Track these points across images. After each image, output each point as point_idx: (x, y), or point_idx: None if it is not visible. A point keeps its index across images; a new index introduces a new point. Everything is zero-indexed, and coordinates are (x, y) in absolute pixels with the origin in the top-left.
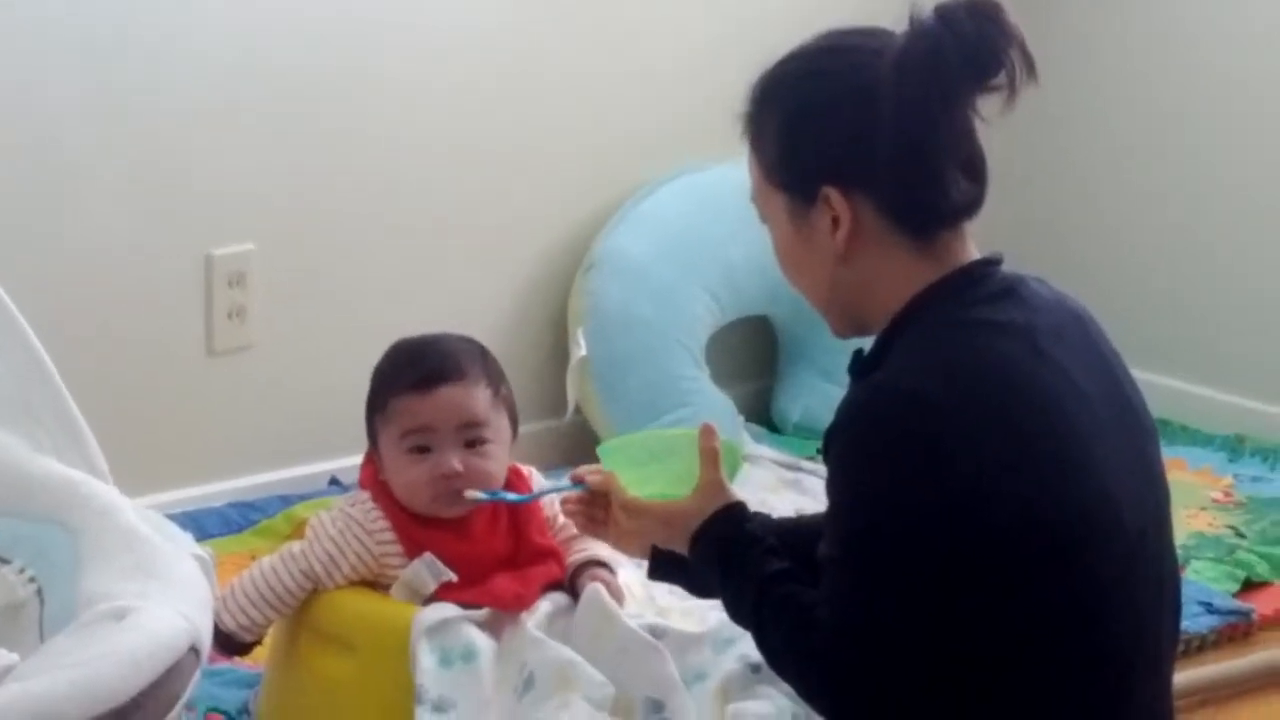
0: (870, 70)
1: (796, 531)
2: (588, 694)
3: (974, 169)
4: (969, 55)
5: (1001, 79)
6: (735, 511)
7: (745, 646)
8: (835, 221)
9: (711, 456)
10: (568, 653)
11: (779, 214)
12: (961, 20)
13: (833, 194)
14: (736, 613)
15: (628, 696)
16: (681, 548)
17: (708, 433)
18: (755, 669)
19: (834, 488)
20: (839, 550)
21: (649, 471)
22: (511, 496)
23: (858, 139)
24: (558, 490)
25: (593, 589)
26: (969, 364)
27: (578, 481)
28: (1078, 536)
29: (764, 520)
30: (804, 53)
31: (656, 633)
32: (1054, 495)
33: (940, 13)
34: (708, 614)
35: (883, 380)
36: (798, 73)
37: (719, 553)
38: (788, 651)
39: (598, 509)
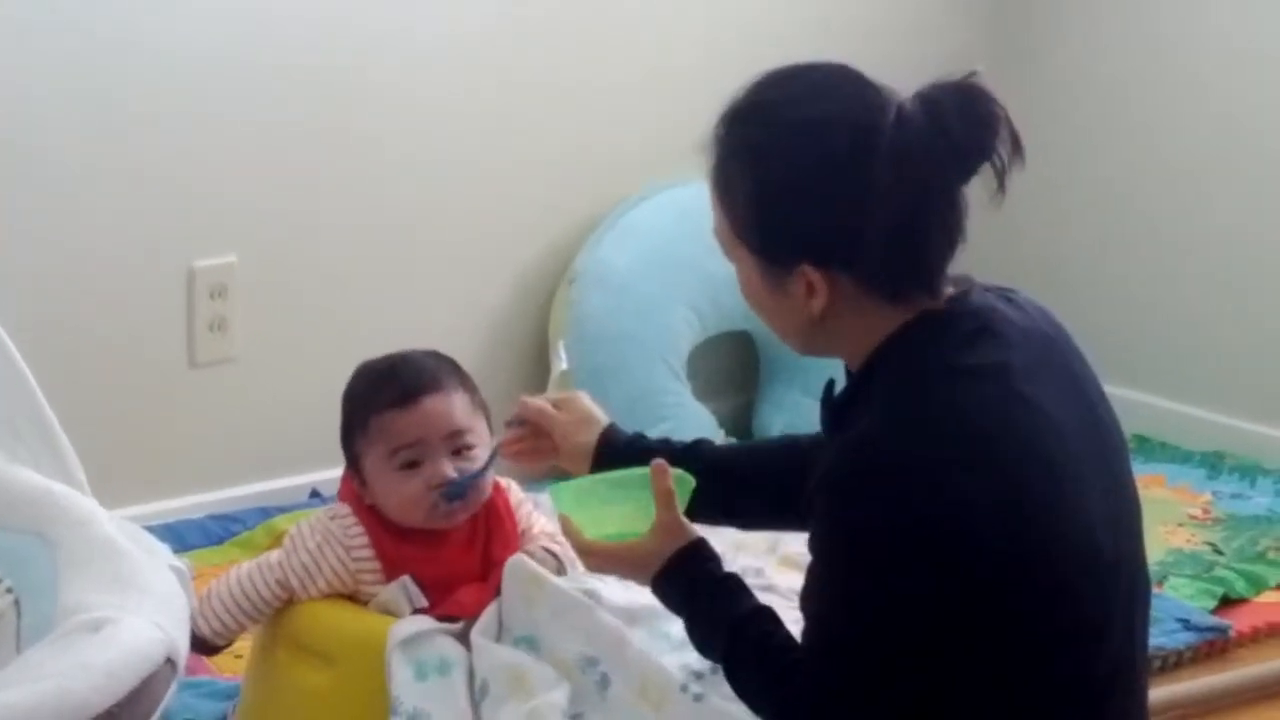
0: (853, 152)
1: (747, 455)
2: (546, 696)
3: (957, 235)
4: (958, 152)
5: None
6: (696, 550)
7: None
8: (809, 288)
9: (667, 497)
10: (513, 655)
11: (747, 268)
12: (951, 117)
13: (810, 271)
14: (705, 651)
15: (565, 659)
16: (644, 586)
17: (660, 472)
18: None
19: (817, 546)
20: (824, 608)
21: (604, 512)
22: (464, 479)
23: (842, 223)
24: (499, 444)
25: (513, 560)
26: (949, 419)
27: (517, 422)
28: (1059, 575)
29: (711, 448)
30: (773, 112)
31: (590, 595)
32: (1038, 542)
33: (929, 109)
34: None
35: (862, 442)
36: (770, 142)
37: (683, 594)
38: (766, 697)
39: (542, 440)
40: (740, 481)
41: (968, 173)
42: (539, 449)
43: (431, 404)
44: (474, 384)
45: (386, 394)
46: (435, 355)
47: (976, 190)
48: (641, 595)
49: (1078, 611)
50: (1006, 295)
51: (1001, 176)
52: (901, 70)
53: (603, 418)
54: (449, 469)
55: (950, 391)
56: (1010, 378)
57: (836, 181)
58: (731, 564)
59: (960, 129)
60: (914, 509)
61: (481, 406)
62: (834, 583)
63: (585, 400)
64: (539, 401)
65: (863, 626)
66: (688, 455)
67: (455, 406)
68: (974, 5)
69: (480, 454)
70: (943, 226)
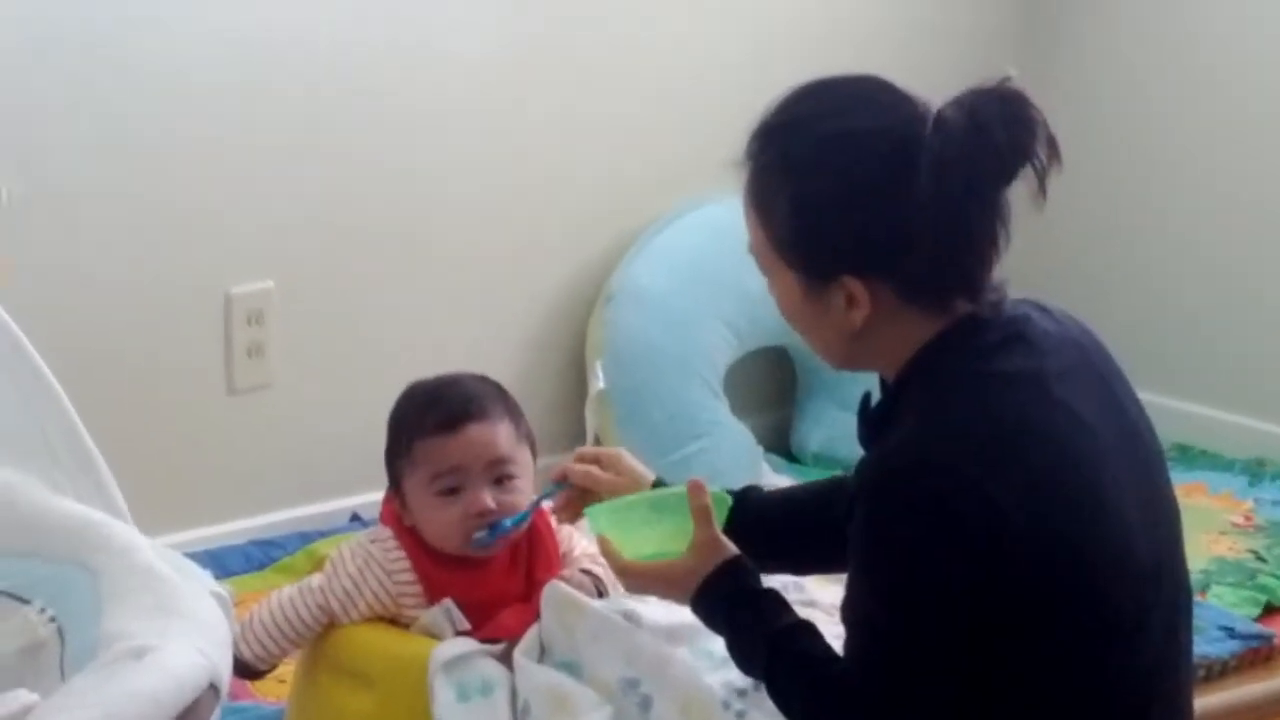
0: (894, 163)
1: (795, 501)
2: (588, 717)
3: (1001, 239)
4: (1001, 156)
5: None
6: (736, 566)
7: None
8: (850, 299)
9: (704, 514)
10: (555, 676)
11: (786, 283)
12: (993, 121)
13: (852, 282)
14: (747, 667)
15: (606, 681)
16: (684, 605)
17: (697, 490)
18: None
19: (858, 554)
20: (863, 614)
21: (641, 533)
22: (508, 522)
23: (886, 233)
24: (547, 496)
25: (549, 587)
26: (981, 424)
27: (561, 480)
28: (1098, 583)
29: (760, 495)
30: (809, 126)
31: (630, 617)
32: (1075, 549)
33: (970, 114)
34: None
35: (898, 449)
36: (809, 156)
37: (723, 610)
38: (809, 711)
39: (588, 496)
40: (789, 528)
41: (1010, 176)
42: (585, 506)
43: (475, 432)
44: (520, 412)
45: (431, 418)
46: (483, 380)
47: (1013, 198)
48: (682, 614)
49: (1112, 614)
50: (1039, 305)
51: (1042, 179)
52: (926, 77)
53: (648, 473)
54: (488, 499)
55: (983, 397)
56: (1044, 383)
57: (879, 193)
58: (771, 578)
59: (1002, 133)
60: (947, 512)
61: (527, 435)
62: (872, 588)
63: (628, 457)
64: (583, 466)
65: (901, 630)
66: (736, 506)
67: (499, 435)
68: (1000, 5)
69: (522, 485)
70: (988, 230)
